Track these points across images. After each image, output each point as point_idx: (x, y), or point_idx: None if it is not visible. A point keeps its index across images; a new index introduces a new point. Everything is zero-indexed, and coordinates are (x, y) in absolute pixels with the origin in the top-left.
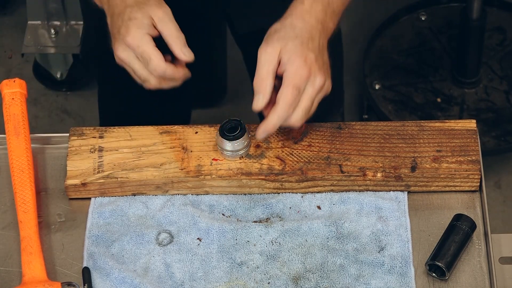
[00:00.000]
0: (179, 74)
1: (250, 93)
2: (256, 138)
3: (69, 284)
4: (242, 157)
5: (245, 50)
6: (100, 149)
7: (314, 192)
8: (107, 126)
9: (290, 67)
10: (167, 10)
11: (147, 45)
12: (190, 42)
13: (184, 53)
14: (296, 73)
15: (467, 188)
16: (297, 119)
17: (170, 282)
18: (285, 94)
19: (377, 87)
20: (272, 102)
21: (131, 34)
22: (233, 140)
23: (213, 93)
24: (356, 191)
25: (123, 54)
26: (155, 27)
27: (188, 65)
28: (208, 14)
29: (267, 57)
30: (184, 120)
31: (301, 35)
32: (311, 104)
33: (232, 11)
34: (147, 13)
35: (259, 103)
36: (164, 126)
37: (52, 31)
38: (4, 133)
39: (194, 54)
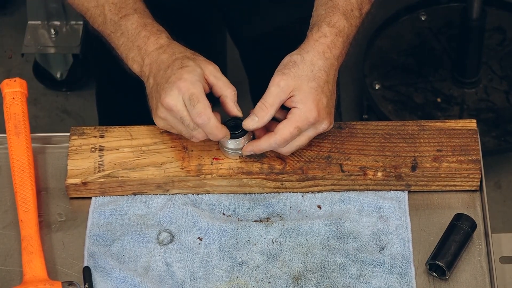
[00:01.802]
0: (221, 133)
1: (249, 93)
2: (242, 152)
3: (69, 283)
4: (243, 155)
5: (244, 53)
6: (101, 149)
7: (315, 191)
8: (105, 125)
9: (301, 108)
10: (216, 66)
11: (198, 89)
12: (190, 42)
13: (237, 108)
14: (304, 116)
15: (467, 188)
16: (288, 151)
17: (171, 281)
18: (286, 130)
19: (377, 87)
20: (266, 125)
21: (183, 78)
22: (236, 138)
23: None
24: (357, 190)
25: (172, 101)
26: (206, 80)
27: None
28: (208, 15)
29: (278, 90)
30: None
31: (319, 77)
32: (307, 142)
33: (231, 16)
34: (198, 64)
35: (251, 125)
36: None
37: (52, 31)
38: (5, 133)
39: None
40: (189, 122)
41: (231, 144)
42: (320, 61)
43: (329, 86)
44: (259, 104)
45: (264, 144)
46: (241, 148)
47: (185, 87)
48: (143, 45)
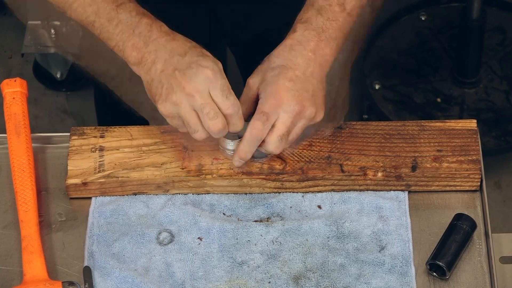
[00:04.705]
0: (242, 123)
1: None
2: (233, 164)
3: (70, 283)
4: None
5: (239, 57)
6: (101, 149)
7: (315, 191)
8: (105, 126)
9: (262, 97)
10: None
11: (226, 79)
12: None
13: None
14: (265, 102)
15: (467, 188)
16: (274, 145)
17: (171, 281)
18: (253, 120)
19: (377, 87)
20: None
21: (209, 66)
22: (236, 139)
23: None
24: (357, 190)
25: (199, 86)
26: None
27: None
28: (207, 22)
29: (246, 88)
30: None
31: (283, 65)
32: (287, 130)
33: (225, 20)
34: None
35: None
36: (165, 126)
37: (52, 31)
38: (5, 133)
39: None
40: (209, 110)
41: (231, 145)
42: (285, 53)
43: (297, 72)
44: None
45: (243, 145)
46: None
47: (214, 76)
48: (146, 32)
